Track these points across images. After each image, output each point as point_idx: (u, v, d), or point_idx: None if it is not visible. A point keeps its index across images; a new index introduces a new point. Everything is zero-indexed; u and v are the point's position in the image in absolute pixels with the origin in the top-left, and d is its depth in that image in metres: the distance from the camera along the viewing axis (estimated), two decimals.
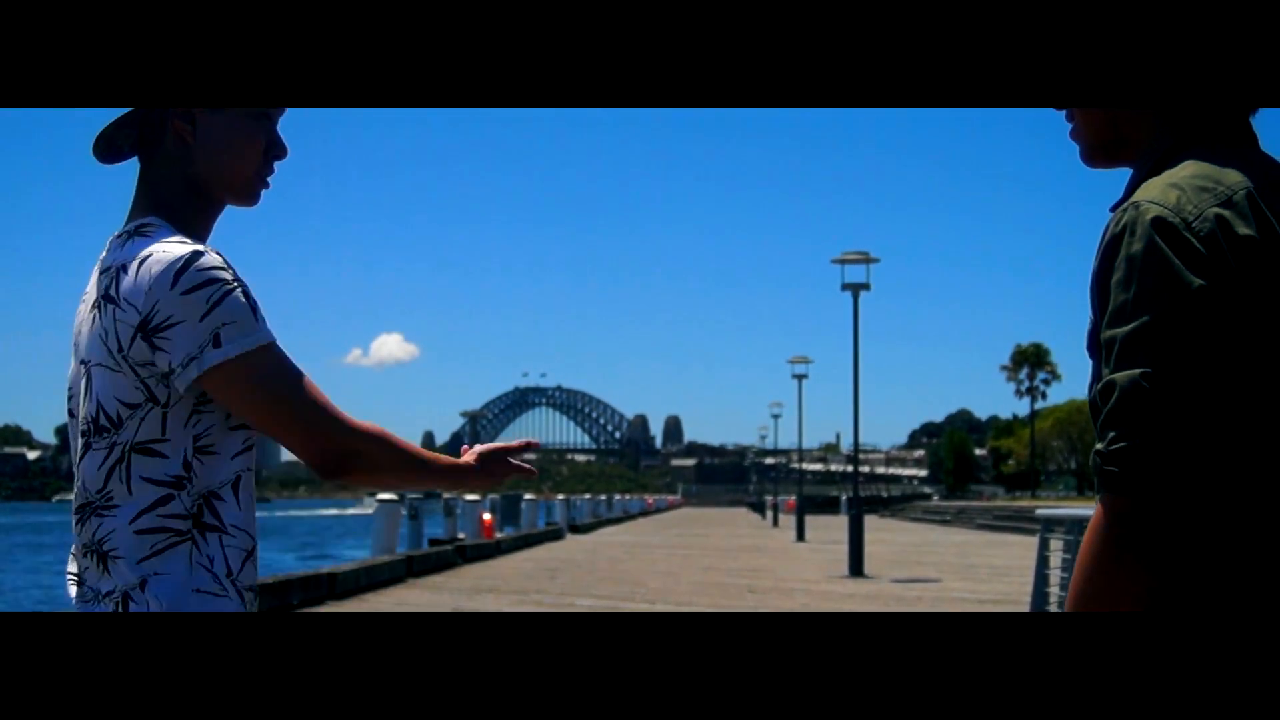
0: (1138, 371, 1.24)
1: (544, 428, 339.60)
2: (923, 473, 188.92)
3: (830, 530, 32.90)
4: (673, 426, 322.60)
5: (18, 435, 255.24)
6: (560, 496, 38.09)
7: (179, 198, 1.58)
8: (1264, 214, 1.28)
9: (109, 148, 1.59)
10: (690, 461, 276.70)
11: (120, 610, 1.47)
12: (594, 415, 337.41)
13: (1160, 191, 1.31)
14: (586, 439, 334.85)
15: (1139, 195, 1.32)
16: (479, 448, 1.83)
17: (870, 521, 28.06)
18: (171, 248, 1.48)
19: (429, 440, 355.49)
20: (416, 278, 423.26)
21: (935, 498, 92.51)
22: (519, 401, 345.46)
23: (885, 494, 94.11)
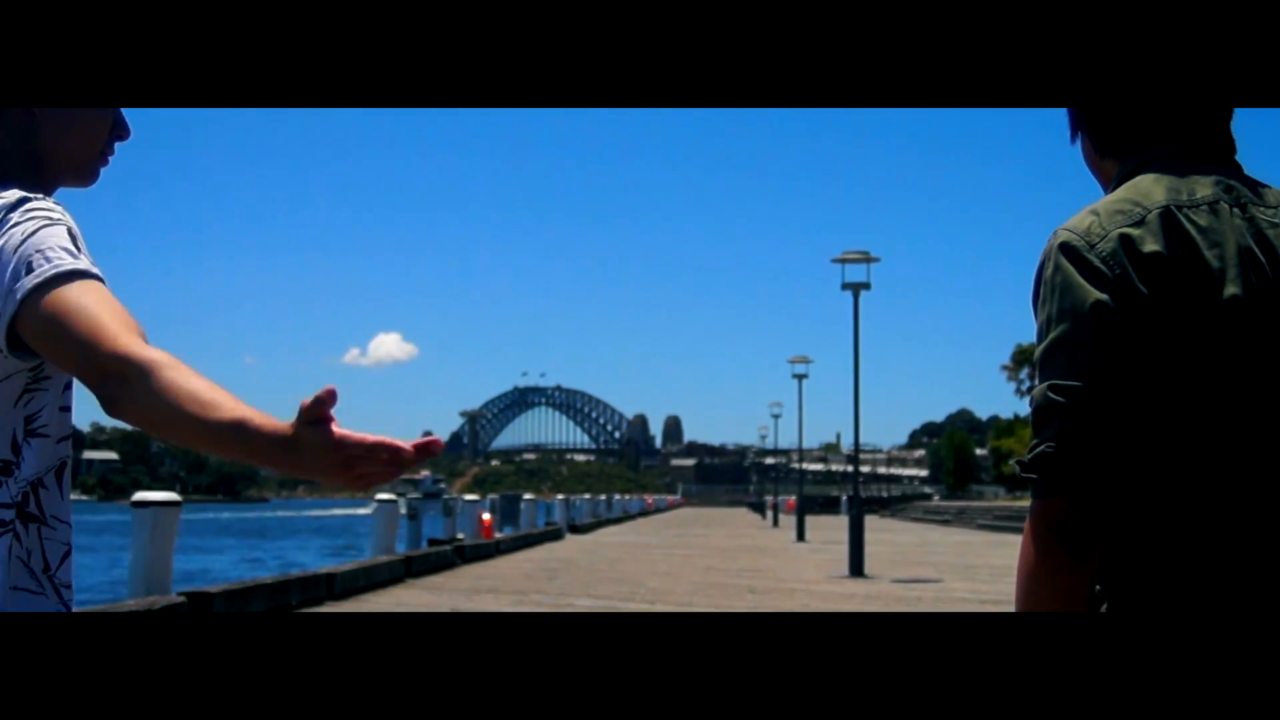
0: (1047, 384, 1.37)
1: (543, 428, 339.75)
2: (923, 473, 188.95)
3: (830, 530, 32.91)
4: (672, 426, 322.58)
5: None
6: (560, 496, 38.07)
7: (18, 171, 1.47)
8: (1182, 229, 1.38)
9: None
10: (690, 461, 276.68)
11: None
12: (593, 415, 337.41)
13: (1077, 218, 1.44)
14: (586, 439, 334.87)
15: (1063, 224, 1.45)
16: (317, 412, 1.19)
17: (871, 521, 28.05)
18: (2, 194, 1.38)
19: None
20: (415, 277, 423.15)
21: (936, 498, 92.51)
22: (518, 401, 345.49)
23: (886, 494, 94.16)
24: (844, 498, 60.35)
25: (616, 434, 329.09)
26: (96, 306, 1.31)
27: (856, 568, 16.79)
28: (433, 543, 18.95)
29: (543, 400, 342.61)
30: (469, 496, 23.84)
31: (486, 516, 23.29)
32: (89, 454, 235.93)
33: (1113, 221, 1.41)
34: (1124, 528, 1.39)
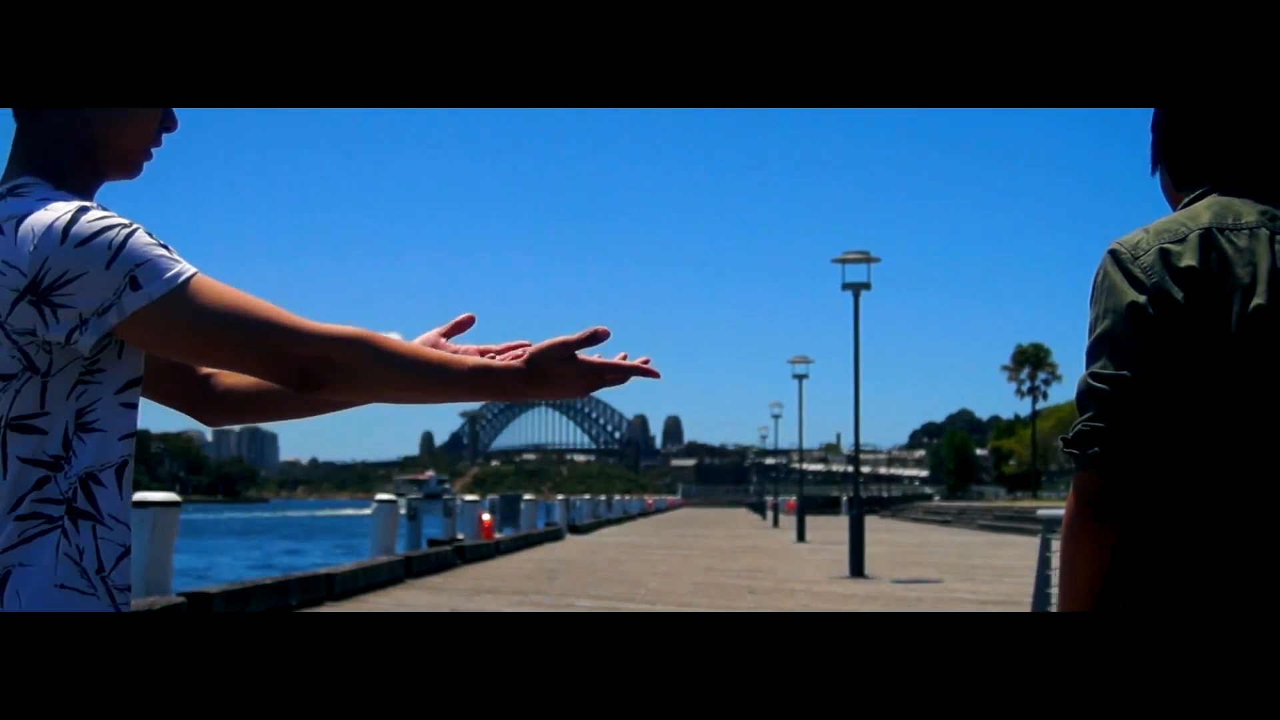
0: (1089, 372, 1.58)
1: (543, 428, 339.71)
2: (924, 473, 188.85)
3: (831, 531, 32.89)
4: (673, 426, 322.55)
5: None
6: (560, 497, 38.05)
7: (67, 162, 1.44)
8: (1220, 247, 1.59)
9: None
10: (690, 462, 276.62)
11: None
12: (593, 415, 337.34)
13: (1131, 235, 1.65)
14: (586, 439, 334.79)
15: (1117, 239, 1.66)
16: (531, 349, 1.47)
17: (871, 522, 28.03)
18: (53, 204, 1.35)
19: (427, 441, 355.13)
20: (415, 276, 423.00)
21: (936, 498, 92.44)
22: (518, 401, 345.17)
23: (886, 494, 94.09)
24: (844, 498, 60.31)
25: (616, 434, 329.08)
26: (250, 303, 1.37)
27: (857, 568, 16.79)
28: (433, 543, 18.94)
29: (542, 401, 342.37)
30: (469, 497, 23.82)
31: (486, 517, 23.28)
32: None
33: (1159, 238, 1.61)
34: (1146, 504, 1.57)
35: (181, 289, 1.34)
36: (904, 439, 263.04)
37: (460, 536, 20.84)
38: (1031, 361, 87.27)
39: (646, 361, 1.49)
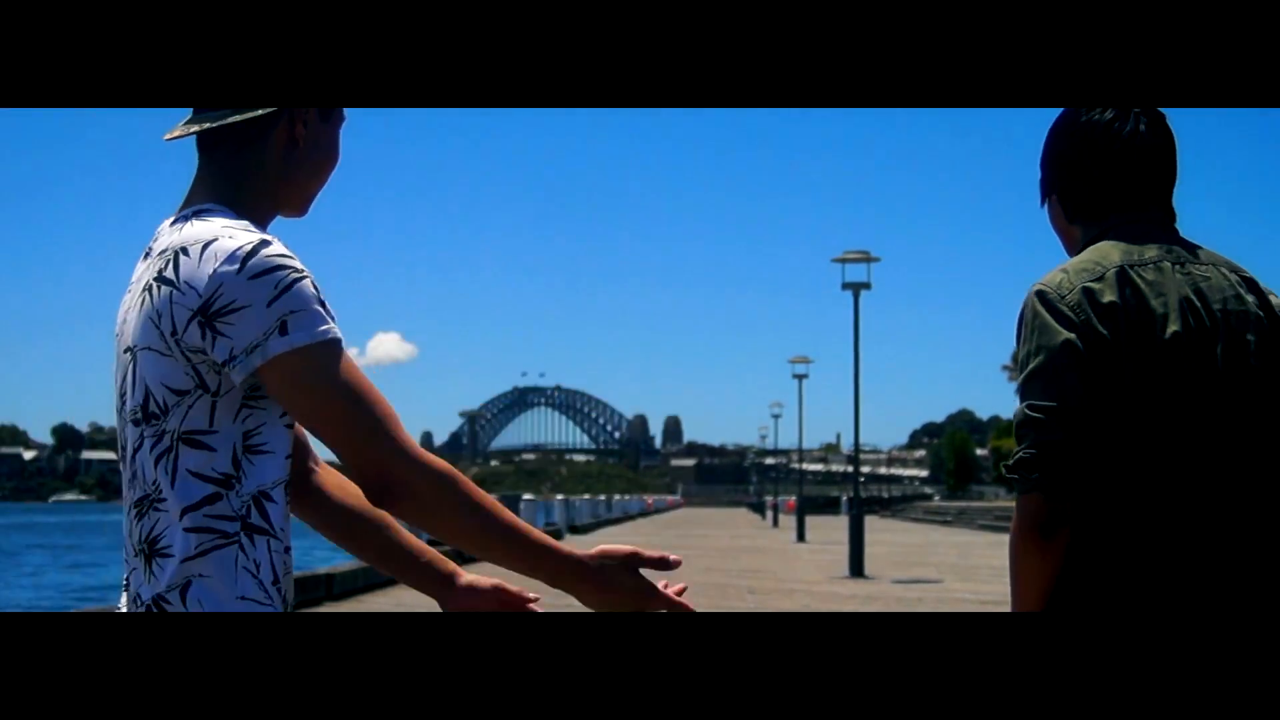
0: (1026, 404, 1.75)
1: (543, 428, 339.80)
2: (924, 473, 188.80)
3: (831, 531, 32.88)
4: (672, 426, 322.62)
5: (14, 435, 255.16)
6: (559, 497, 38.04)
7: (256, 197, 1.52)
8: (1134, 283, 1.77)
9: (217, 135, 1.51)
10: (690, 462, 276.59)
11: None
12: (593, 415, 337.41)
13: (1051, 275, 1.83)
14: (586, 439, 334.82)
15: (1040, 279, 1.83)
16: (603, 548, 1.53)
17: (871, 522, 28.00)
18: (238, 233, 1.42)
19: (427, 440, 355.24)
20: (414, 276, 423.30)
21: (936, 498, 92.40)
22: (518, 401, 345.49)
23: (886, 494, 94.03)
24: (844, 498, 60.26)
25: (616, 434, 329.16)
26: (372, 392, 1.42)
27: (857, 568, 16.79)
28: (433, 543, 18.89)
29: (542, 400, 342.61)
30: None
31: None
32: (87, 454, 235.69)
33: (1079, 277, 1.79)
34: (1086, 520, 1.74)
35: (323, 347, 1.40)
36: (904, 439, 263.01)
37: None
38: None
39: (682, 591, 1.57)
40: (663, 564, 1.53)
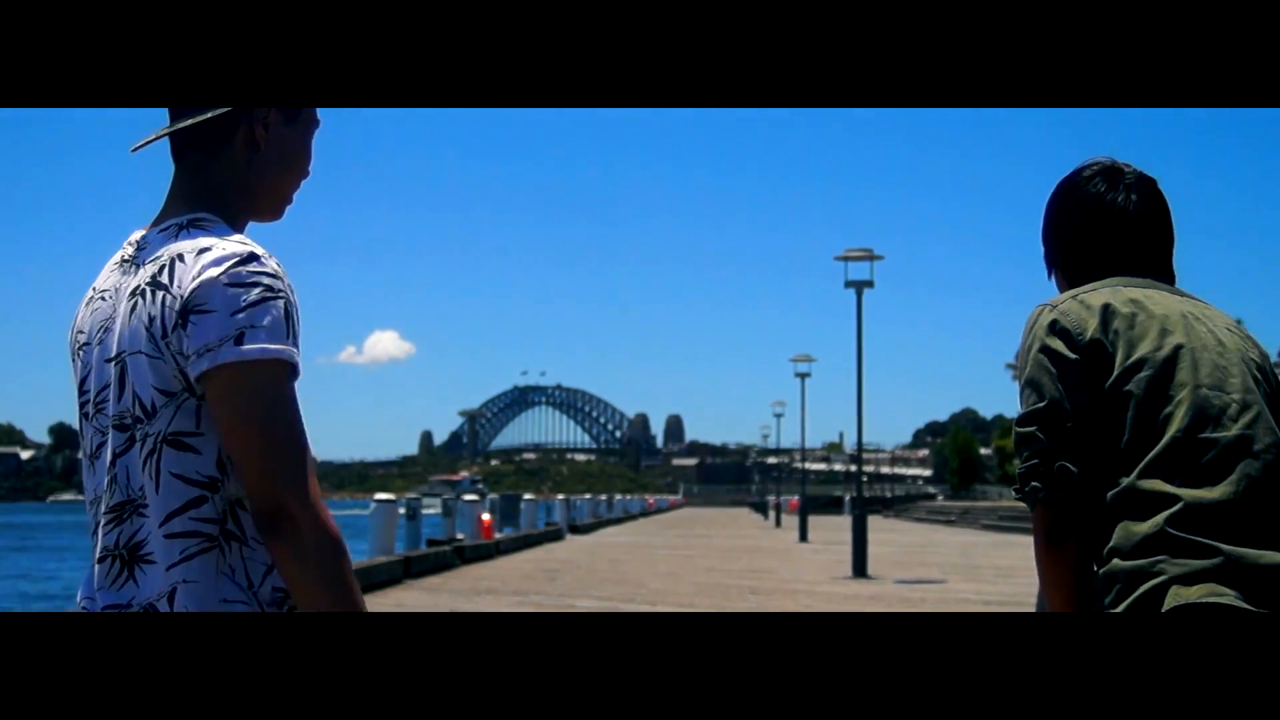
0: (1017, 418, 1.87)
1: (543, 427, 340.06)
2: (927, 472, 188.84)
3: (833, 531, 32.89)
4: (674, 425, 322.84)
5: (10, 435, 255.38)
6: (560, 496, 38.05)
7: (233, 201, 1.55)
8: (1134, 299, 1.88)
9: (183, 142, 1.55)
10: (692, 461, 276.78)
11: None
12: (594, 414, 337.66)
13: (1054, 300, 1.92)
14: (587, 438, 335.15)
15: (1056, 299, 1.94)
16: None
17: (874, 522, 28.00)
18: (233, 245, 1.45)
19: (426, 440, 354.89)
20: (412, 274, 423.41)
21: (940, 498, 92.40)
22: (518, 400, 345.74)
23: (889, 494, 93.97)
24: (847, 498, 60.29)
25: (617, 433, 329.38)
26: (298, 429, 1.41)
27: (860, 568, 16.78)
28: (432, 543, 18.91)
29: (543, 399, 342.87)
30: (468, 497, 23.81)
31: (486, 517, 23.26)
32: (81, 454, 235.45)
33: (1080, 295, 1.91)
34: (1089, 523, 1.82)
35: (269, 365, 1.40)
36: (907, 438, 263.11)
37: (460, 536, 20.81)
38: None
39: None
40: None
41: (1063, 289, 2.05)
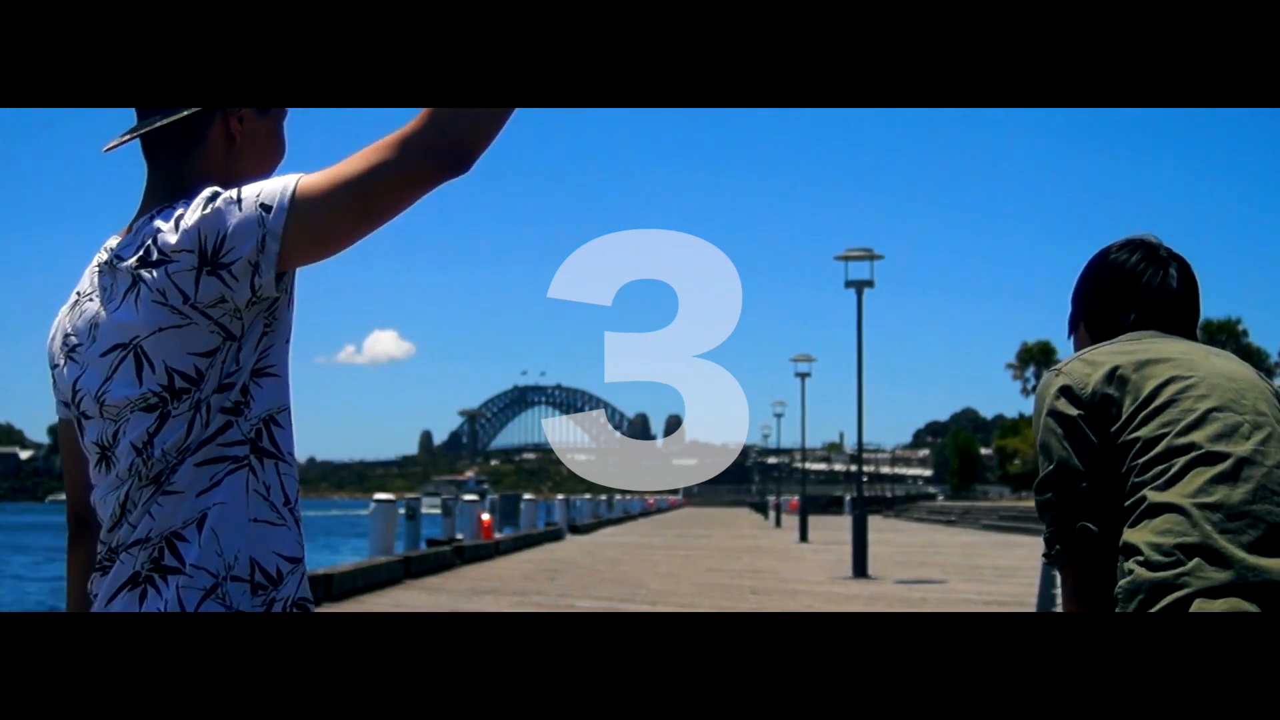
0: (1035, 483, 1.97)
1: (543, 427, 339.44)
2: (927, 472, 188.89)
3: (834, 531, 32.90)
4: (674, 426, 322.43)
5: (9, 435, 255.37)
6: (560, 496, 38.05)
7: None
8: (1125, 376, 1.93)
9: (156, 141, 1.57)
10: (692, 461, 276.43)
11: (158, 559, 1.44)
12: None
13: (1066, 366, 2.01)
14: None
15: (1062, 362, 2.04)
16: None
17: (874, 522, 28.02)
18: (197, 198, 1.47)
19: (426, 440, 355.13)
20: (411, 273, 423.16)
21: (940, 498, 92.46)
22: (518, 400, 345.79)
23: (889, 494, 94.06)
24: (847, 498, 60.31)
25: (618, 434, 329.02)
26: (346, 163, 1.42)
27: (860, 569, 16.77)
28: (432, 543, 18.91)
29: (543, 399, 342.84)
30: (468, 497, 23.81)
31: (486, 517, 23.26)
32: None
33: (1090, 366, 1.97)
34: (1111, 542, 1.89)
35: (300, 185, 1.42)
36: (908, 438, 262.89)
37: (459, 536, 20.81)
38: (1037, 359, 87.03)
39: None
40: None
41: (1083, 342, 2.15)
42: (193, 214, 1.45)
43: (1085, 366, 1.96)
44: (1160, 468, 1.82)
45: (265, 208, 1.42)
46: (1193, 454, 1.82)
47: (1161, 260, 2.08)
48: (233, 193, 1.44)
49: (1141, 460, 1.85)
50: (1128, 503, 1.84)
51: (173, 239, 1.45)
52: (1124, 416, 1.88)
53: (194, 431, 1.46)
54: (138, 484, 1.48)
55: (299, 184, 1.43)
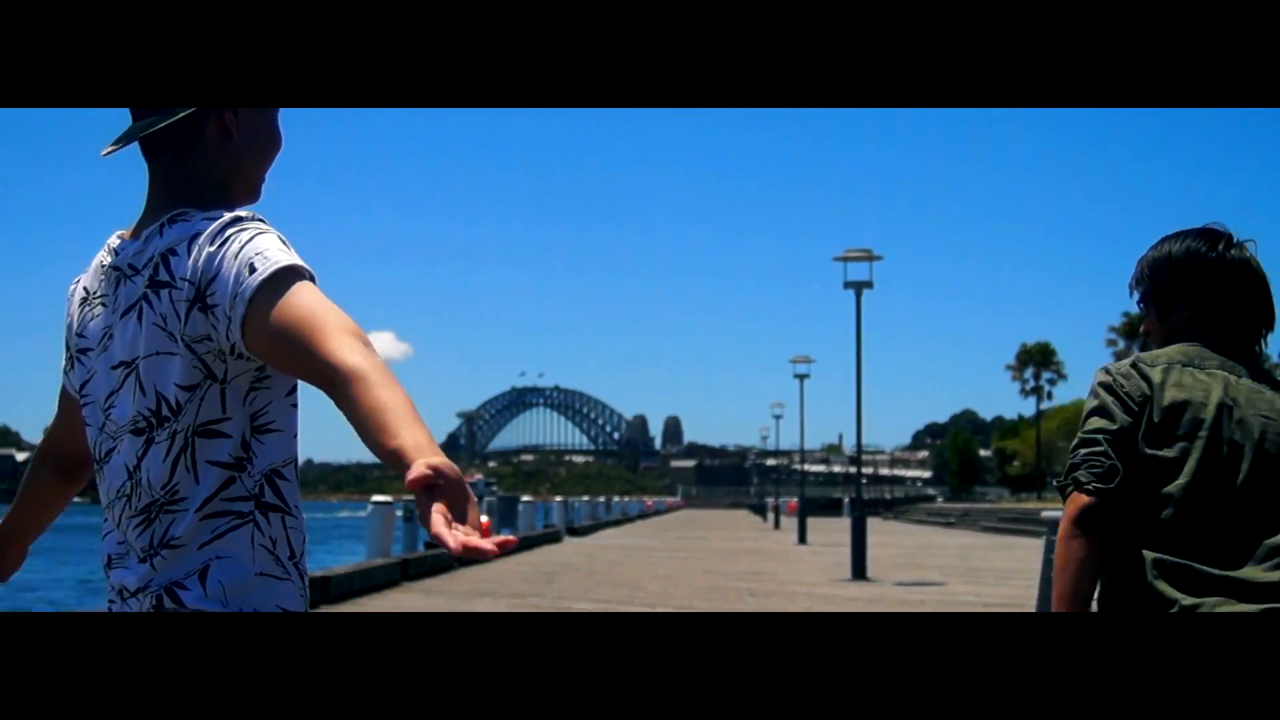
0: (1080, 430, 2.09)
1: (541, 429, 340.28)
2: (927, 474, 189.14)
3: (833, 533, 32.89)
4: (672, 427, 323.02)
5: (6, 436, 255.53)
6: (558, 498, 38.04)
7: (211, 192, 1.56)
8: (1180, 377, 2.04)
9: (156, 143, 1.56)
10: (690, 463, 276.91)
11: (158, 606, 1.45)
12: (592, 416, 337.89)
13: (1118, 363, 2.12)
14: (585, 440, 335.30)
15: (1111, 364, 2.16)
16: (435, 471, 1.26)
17: (873, 524, 28.02)
18: (213, 220, 1.48)
19: None
20: (409, 274, 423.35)
21: (939, 499, 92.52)
22: (516, 402, 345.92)
23: (889, 496, 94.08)
24: (846, 499, 60.37)
25: (615, 435, 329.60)
26: (315, 306, 1.38)
27: (859, 571, 16.77)
28: (429, 545, 18.89)
29: (541, 401, 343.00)
30: None
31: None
32: None
33: (1138, 361, 2.09)
34: (1114, 528, 2.00)
35: (275, 279, 1.39)
36: (907, 440, 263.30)
37: None
38: (1036, 361, 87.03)
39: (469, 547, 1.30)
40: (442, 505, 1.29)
41: (1152, 324, 2.22)
42: (205, 245, 1.45)
43: (1134, 372, 2.06)
44: (1184, 489, 1.93)
45: (250, 268, 1.41)
46: (1214, 475, 1.93)
47: (1218, 255, 2.11)
48: (245, 232, 1.44)
49: (1169, 480, 1.95)
50: (1148, 524, 1.93)
51: (182, 264, 1.46)
52: (1158, 425, 1.99)
53: (178, 469, 1.46)
54: (127, 511, 1.50)
55: (289, 270, 1.40)
